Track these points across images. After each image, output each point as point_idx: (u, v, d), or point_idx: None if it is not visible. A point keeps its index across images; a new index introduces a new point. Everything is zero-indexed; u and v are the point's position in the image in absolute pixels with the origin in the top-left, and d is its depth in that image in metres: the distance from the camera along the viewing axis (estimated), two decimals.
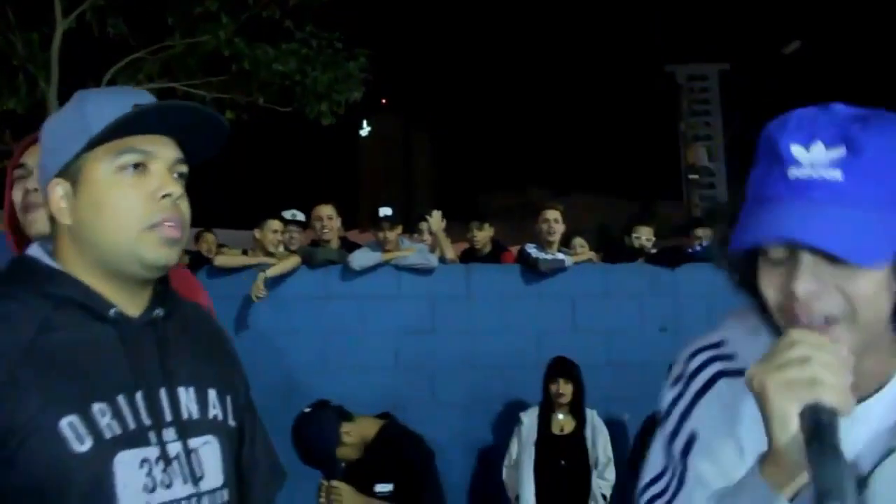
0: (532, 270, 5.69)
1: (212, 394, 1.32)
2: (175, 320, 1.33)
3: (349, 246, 6.11)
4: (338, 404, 3.50)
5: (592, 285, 5.80)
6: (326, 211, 5.97)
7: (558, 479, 4.73)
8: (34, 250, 1.29)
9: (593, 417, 4.89)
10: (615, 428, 5.03)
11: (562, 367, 4.90)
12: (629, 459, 4.66)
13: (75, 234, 1.24)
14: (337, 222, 6.04)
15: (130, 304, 1.27)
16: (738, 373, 1.07)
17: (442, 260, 5.81)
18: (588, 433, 4.81)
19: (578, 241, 6.31)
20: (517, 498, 4.80)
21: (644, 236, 6.37)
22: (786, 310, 1.01)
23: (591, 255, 6.24)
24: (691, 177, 56.08)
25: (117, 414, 1.18)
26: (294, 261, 5.49)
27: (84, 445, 1.14)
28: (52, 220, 1.27)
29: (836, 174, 0.97)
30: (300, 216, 6.23)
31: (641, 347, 5.56)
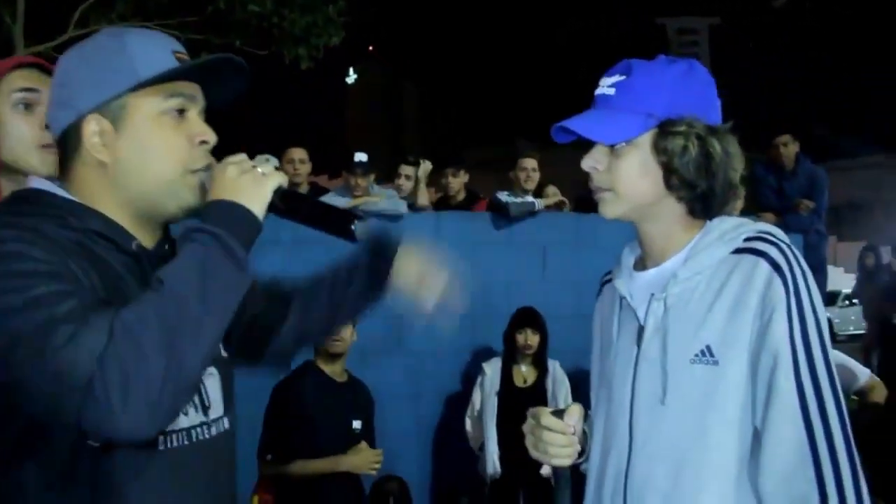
0: (502, 216, 5.61)
1: None
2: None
3: (318, 191, 6.00)
4: None
5: (564, 235, 5.74)
6: (298, 154, 5.87)
7: (521, 430, 4.71)
8: (42, 184, 1.29)
9: (555, 368, 4.86)
10: (581, 378, 5.01)
11: (529, 317, 4.86)
12: None
13: (111, 170, 1.26)
14: (308, 166, 5.94)
15: (146, 241, 1.31)
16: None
17: (412, 206, 5.72)
18: (549, 384, 4.79)
19: (551, 190, 6.22)
20: (481, 447, 4.80)
21: None
22: None
23: (562, 198, 6.16)
24: None
25: None
26: None
27: None
28: (68, 153, 1.28)
29: (611, 91, 1.48)
30: (273, 161, 6.11)
31: None
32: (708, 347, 1.43)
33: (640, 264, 1.62)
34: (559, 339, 4.93)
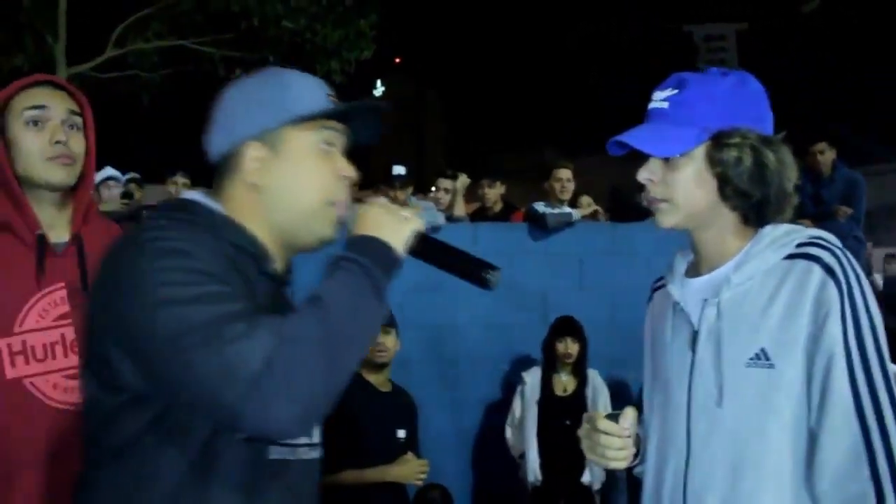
0: (539, 227, 5.66)
1: None
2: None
3: None
4: None
5: (600, 244, 5.77)
6: None
7: (561, 438, 4.75)
8: (195, 196, 1.37)
9: (594, 377, 4.88)
10: (618, 388, 5.02)
11: (569, 326, 4.89)
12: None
13: (263, 193, 1.35)
14: None
15: (279, 267, 1.39)
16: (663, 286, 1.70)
17: (450, 217, 5.78)
18: (589, 393, 4.81)
19: (585, 200, 6.26)
20: (522, 456, 4.84)
21: None
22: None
23: (597, 207, 6.19)
24: None
25: None
26: None
27: None
28: (224, 173, 1.37)
29: (665, 105, 1.53)
30: None
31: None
32: (763, 350, 1.46)
33: (692, 271, 1.65)
34: (595, 348, 4.96)
